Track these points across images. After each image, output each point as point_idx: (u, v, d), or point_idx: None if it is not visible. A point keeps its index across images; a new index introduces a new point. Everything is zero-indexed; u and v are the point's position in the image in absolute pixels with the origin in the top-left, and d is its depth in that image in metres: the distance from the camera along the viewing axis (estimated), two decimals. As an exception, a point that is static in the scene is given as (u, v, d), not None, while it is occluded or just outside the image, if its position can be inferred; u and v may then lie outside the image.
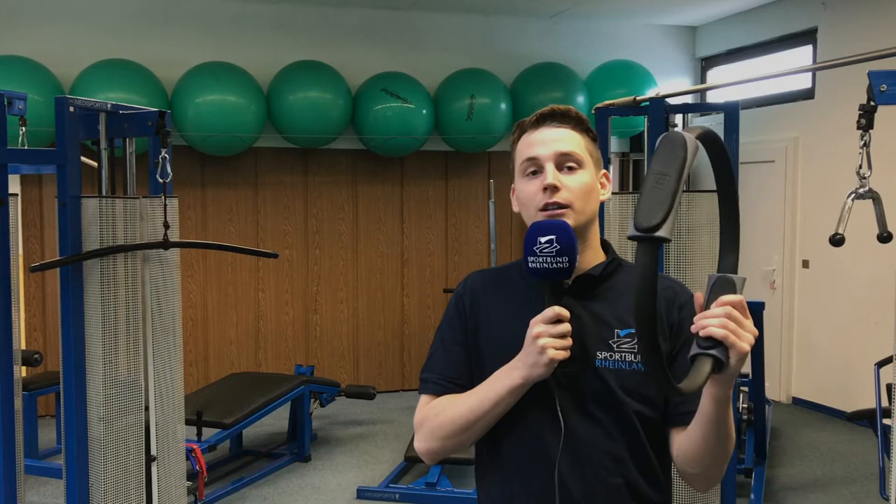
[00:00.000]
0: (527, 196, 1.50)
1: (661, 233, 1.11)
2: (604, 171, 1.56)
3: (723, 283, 1.27)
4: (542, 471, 1.45)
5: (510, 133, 1.63)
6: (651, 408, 1.46)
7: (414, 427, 1.57)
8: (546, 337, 1.37)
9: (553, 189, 1.46)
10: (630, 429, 1.45)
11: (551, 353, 1.36)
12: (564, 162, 1.48)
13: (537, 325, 1.38)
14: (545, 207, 1.46)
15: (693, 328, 1.23)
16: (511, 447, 1.49)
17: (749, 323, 1.23)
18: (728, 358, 1.20)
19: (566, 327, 1.38)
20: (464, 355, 1.55)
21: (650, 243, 1.13)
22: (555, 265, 1.37)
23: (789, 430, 5.92)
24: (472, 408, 1.46)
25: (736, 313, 1.22)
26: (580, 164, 1.49)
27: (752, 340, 1.22)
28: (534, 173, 1.50)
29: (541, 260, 1.38)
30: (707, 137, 1.23)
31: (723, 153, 1.28)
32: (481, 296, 1.57)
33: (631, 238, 1.13)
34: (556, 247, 1.37)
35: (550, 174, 1.46)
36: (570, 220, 1.44)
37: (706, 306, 1.25)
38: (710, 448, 1.39)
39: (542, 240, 1.38)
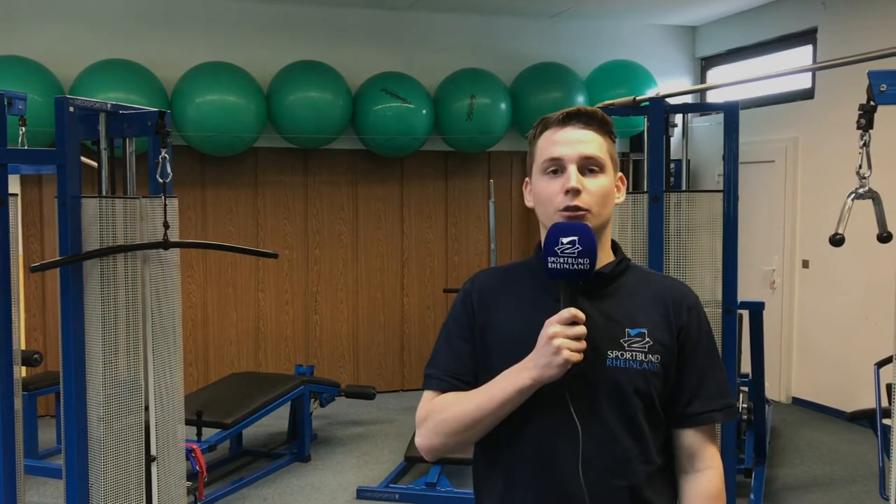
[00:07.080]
0: (546, 195, 1.49)
1: None
2: (620, 174, 1.56)
3: None
4: (550, 472, 1.44)
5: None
6: (657, 408, 1.46)
7: (416, 422, 1.55)
8: (562, 338, 1.36)
9: (575, 192, 1.45)
10: (637, 431, 1.44)
11: (566, 354, 1.35)
12: (587, 165, 1.48)
13: (553, 326, 1.37)
14: (566, 209, 1.45)
15: None
16: (517, 448, 1.48)
17: None
18: None
19: (582, 329, 1.37)
20: (469, 352, 1.54)
21: None
22: (576, 266, 1.37)
23: (789, 430, 5.92)
24: (479, 406, 1.44)
25: None
26: (602, 168, 1.49)
27: None
28: (555, 172, 1.49)
29: (562, 260, 1.38)
30: None
31: None
32: (489, 294, 1.56)
33: None
34: (578, 248, 1.37)
35: (574, 177, 1.46)
36: (589, 223, 1.44)
37: None
38: None
39: (565, 241, 1.38)
